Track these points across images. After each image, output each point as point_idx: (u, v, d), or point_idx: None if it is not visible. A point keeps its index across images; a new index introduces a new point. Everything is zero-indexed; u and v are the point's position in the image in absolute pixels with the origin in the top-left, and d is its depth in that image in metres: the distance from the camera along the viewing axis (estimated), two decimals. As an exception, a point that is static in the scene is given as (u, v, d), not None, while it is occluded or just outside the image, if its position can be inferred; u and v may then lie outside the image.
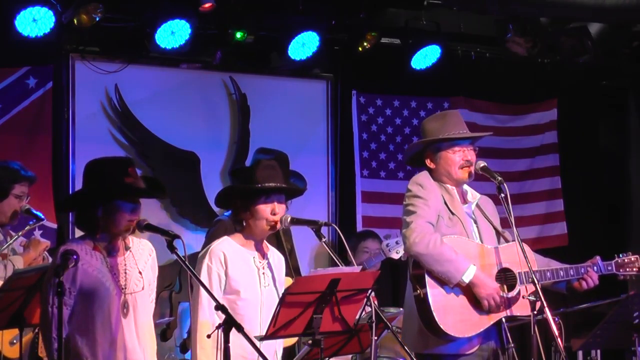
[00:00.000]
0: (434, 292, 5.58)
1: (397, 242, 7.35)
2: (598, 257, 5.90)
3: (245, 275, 5.36)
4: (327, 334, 5.12)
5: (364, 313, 5.48)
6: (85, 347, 4.85)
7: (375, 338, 5.44)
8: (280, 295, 4.98)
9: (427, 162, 5.86)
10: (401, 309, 7.46)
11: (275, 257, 5.59)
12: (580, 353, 7.94)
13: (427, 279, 5.59)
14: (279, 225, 5.41)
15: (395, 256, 7.36)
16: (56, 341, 4.70)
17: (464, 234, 5.72)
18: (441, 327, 5.54)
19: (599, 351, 7.74)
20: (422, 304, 5.60)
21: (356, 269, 5.51)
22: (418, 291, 5.63)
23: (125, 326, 4.95)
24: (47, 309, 4.77)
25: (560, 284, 5.88)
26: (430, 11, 8.72)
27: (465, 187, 5.90)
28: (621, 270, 5.95)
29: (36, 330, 6.34)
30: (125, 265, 5.00)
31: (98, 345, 4.86)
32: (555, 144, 9.91)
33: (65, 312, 4.77)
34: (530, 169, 9.85)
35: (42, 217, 6.78)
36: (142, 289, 5.04)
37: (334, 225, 6.01)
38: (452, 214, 5.73)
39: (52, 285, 4.74)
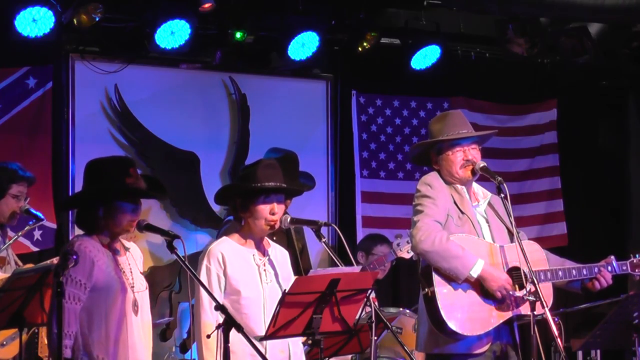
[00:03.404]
0: (441, 290, 5.57)
1: (407, 242, 7.34)
2: (612, 257, 5.85)
3: (246, 274, 5.35)
4: (327, 334, 5.12)
5: (364, 313, 5.47)
6: (97, 344, 4.82)
7: (375, 338, 5.44)
8: (284, 290, 4.97)
9: (432, 163, 5.88)
10: (401, 309, 7.48)
11: (278, 252, 5.56)
12: (580, 353, 7.94)
13: (435, 276, 5.58)
14: (277, 225, 5.41)
15: (407, 255, 7.36)
16: (66, 337, 4.67)
17: (474, 233, 5.69)
18: (449, 325, 5.52)
19: (598, 351, 7.74)
20: (430, 302, 5.59)
21: (356, 269, 5.50)
22: (426, 290, 5.62)
23: (134, 324, 4.96)
24: (61, 304, 4.68)
25: (575, 283, 5.84)
26: (430, 11, 8.72)
27: (476, 186, 5.89)
28: (637, 270, 5.89)
29: (36, 331, 6.34)
30: (129, 264, 5.02)
31: (110, 342, 4.85)
32: (555, 144, 9.91)
33: (76, 307, 4.76)
34: (530, 169, 9.85)
35: (42, 217, 6.79)
36: (145, 288, 5.09)
37: (333, 225, 6.01)
38: (462, 213, 5.71)
39: (68, 279, 4.72)
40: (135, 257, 5.10)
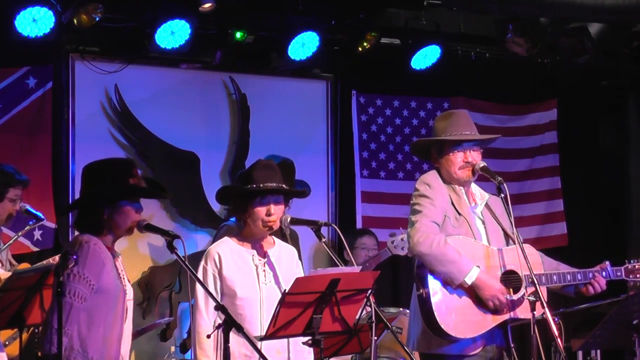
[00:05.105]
0: (436, 292, 5.58)
1: (402, 239, 7.35)
2: (607, 262, 5.85)
3: (242, 275, 5.35)
4: (327, 334, 5.12)
5: (364, 313, 5.47)
6: (93, 346, 4.77)
7: (375, 338, 5.43)
8: (284, 290, 4.97)
9: (433, 160, 5.88)
10: (401, 309, 7.48)
11: (283, 251, 5.54)
12: (580, 353, 7.94)
13: (430, 278, 5.59)
14: (276, 226, 5.40)
15: (402, 253, 7.36)
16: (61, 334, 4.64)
17: (470, 234, 5.71)
18: (442, 327, 5.53)
19: (598, 351, 7.73)
20: (425, 303, 5.60)
21: (356, 269, 5.51)
22: (421, 291, 5.63)
23: (124, 331, 4.94)
24: (66, 301, 4.64)
25: (569, 288, 5.84)
26: (430, 11, 8.72)
27: (474, 187, 5.89)
28: (631, 276, 5.89)
29: (36, 331, 6.33)
30: (122, 270, 5.00)
31: (106, 345, 4.81)
32: (555, 144, 9.91)
33: (79, 306, 4.71)
34: (530, 169, 9.85)
35: (42, 217, 6.79)
36: (132, 299, 5.06)
37: (333, 225, 6.01)
38: (459, 214, 5.72)
39: (75, 276, 4.69)
40: (124, 265, 5.10)
